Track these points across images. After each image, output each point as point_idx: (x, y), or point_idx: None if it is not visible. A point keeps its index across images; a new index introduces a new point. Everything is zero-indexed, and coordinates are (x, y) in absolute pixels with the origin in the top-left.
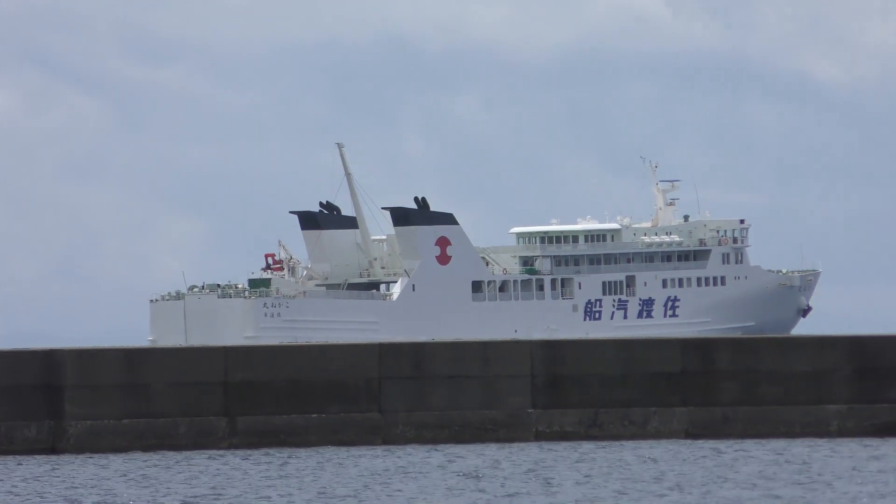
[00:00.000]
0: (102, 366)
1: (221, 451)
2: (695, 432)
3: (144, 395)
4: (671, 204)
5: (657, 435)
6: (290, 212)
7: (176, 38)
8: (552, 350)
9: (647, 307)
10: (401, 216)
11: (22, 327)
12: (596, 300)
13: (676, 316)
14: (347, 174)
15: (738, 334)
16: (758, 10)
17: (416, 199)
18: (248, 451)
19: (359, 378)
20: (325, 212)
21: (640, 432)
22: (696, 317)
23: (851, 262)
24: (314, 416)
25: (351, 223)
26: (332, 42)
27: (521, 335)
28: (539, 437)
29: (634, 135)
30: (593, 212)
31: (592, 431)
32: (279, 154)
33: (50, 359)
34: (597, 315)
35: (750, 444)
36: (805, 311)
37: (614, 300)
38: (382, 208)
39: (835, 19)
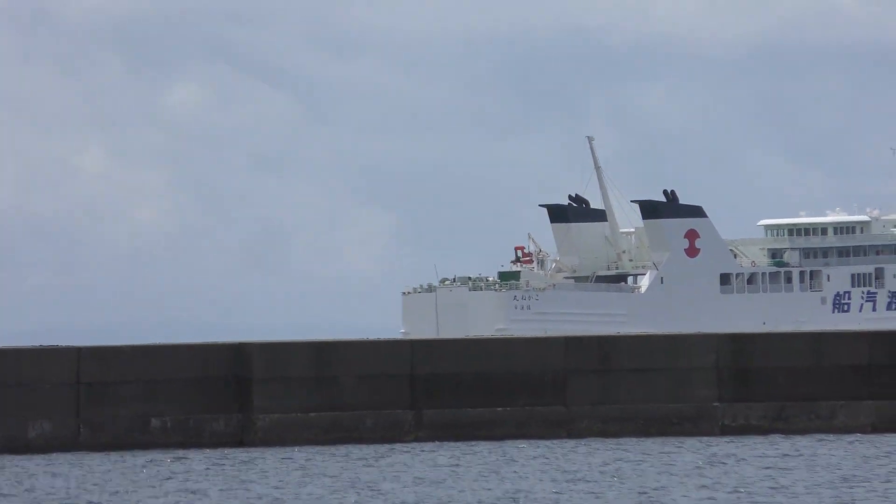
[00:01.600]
0: (290, 359)
1: (407, 445)
2: (882, 426)
3: (332, 389)
4: None
5: (843, 429)
6: (540, 205)
7: (359, 33)
8: (739, 343)
9: (895, 300)
10: (650, 209)
11: (211, 319)
12: (844, 292)
13: None
14: (597, 167)
15: None
16: None
17: (664, 191)
18: (434, 444)
19: (545, 371)
20: (575, 205)
21: (827, 426)
22: None
23: None
24: (500, 409)
25: (600, 216)
26: (517, 35)
27: (769, 328)
28: (725, 430)
29: (823, 127)
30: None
31: (778, 425)
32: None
33: (239, 352)
34: (845, 307)
35: None
36: None
37: (863, 292)
38: (631, 201)
39: None
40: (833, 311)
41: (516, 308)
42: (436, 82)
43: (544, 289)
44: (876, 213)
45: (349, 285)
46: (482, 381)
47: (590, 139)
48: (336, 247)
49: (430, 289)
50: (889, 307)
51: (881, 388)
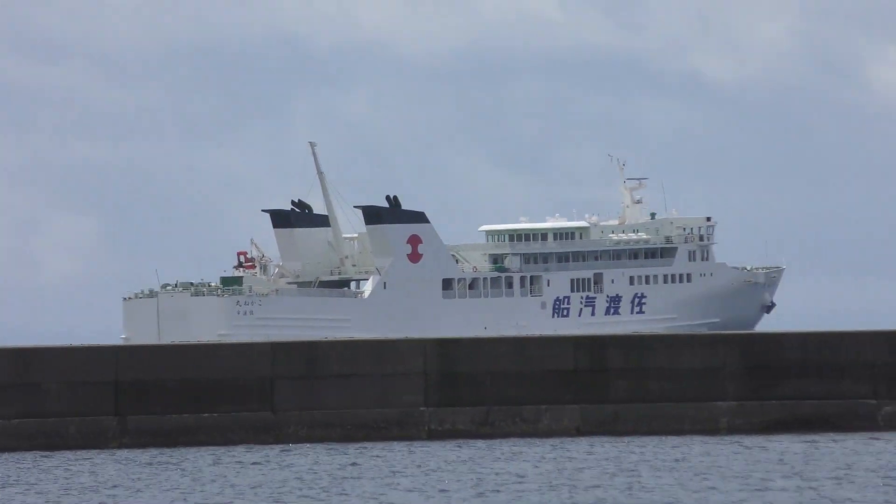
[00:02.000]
0: None
1: (111, 451)
2: (586, 429)
3: (35, 395)
4: (638, 202)
5: (549, 432)
6: (263, 210)
7: (61, 38)
8: (445, 348)
9: (614, 304)
10: (372, 214)
11: None
12: (564, 297)
13: (643, 313)
14: (319, 173)
15: (631, 332)
16: (648, 9)
17: (387, 197)
18: (138, 451)
19: (251, 377)
20: (297, 210)
21: (532, 430)
22: (662, 313)
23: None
24: (206, 415)
25: (323, 221)
26: (222, 41)
27: (490, 332)
28: (431, 435)
29: (526, 133)
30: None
31: (484, 429)
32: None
33: None
34: (565, 312)
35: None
36: (769, 308)
37: (582, 297)
38: (354, 206)
39: (724, 18)
40: (553, 316)
41: (239, 313)
42: (139, 88)
43: (267, 294)
44: (594, 219)
45: (56, 292)
46: (188, 387)
47: (312, 145)
48: (36, 253)
49: (152, 294)
50: (608, 312)
51: (585, 392)
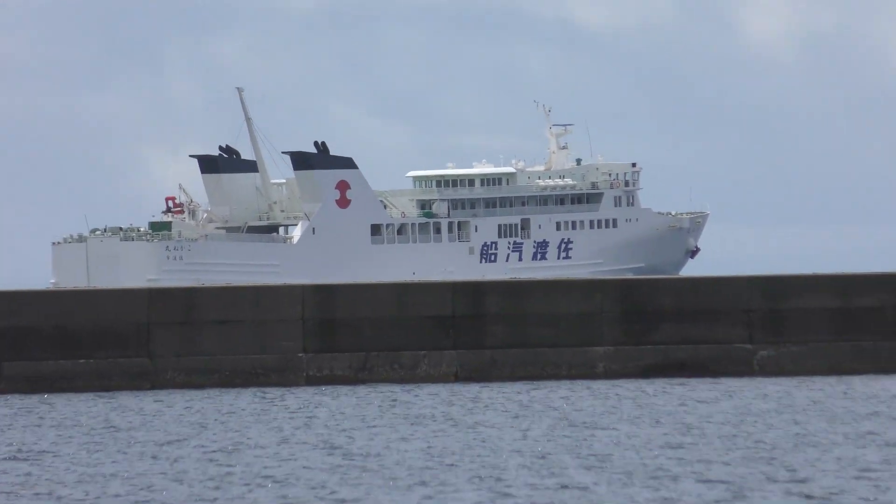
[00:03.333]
0: None
1: None
2: (464, 375)
3: None
4: (564, 148)
5: (427, 378)
6: (190, 156)
7: None
8: (324, 294)
9: (541, 249)
10: (301, 160)
11: None
12: (492, 243)
13: (570, 258)
14: (247, 118)
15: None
16: None
17: (315, 143)
18: (14, 397)
19: (128, 323)
20: (225, 156)
21: (410, 376)
22: (588, 259)
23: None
24: (82, 361)
25: (251, 167)
26: None
27: (419, 277)
28: (310, 381)
29: (402, 81)
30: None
31: (363, 375)
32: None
33: None
34: (492, 257)
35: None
36: (693, 252)
37: (510, 243)
38: (282, 152)
39: None
40: (481, 262)
41: (168, 258)
42: (8, 35)
43: (196, 239)
44: (521, 164)
45: None
46: (64, 333)
47: (239, 90)
48: None
49: (81, 239)
50: (535, 257)
51: (463, 338)
